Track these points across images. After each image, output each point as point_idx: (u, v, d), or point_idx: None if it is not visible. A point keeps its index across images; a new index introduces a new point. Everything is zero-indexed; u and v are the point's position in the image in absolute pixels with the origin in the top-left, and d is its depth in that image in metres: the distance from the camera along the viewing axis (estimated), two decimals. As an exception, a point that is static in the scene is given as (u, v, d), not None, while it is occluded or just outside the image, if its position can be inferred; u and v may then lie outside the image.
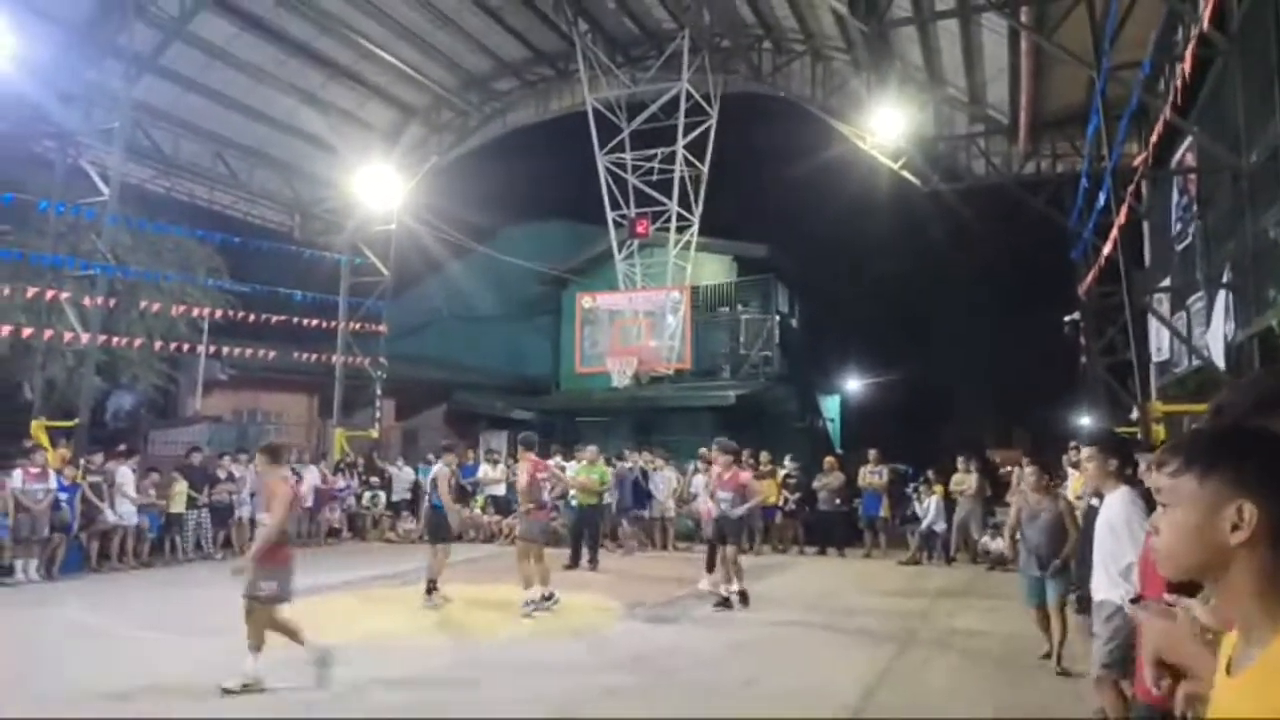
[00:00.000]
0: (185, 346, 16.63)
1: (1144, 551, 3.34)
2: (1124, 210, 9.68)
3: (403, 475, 17.31)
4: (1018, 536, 7.41)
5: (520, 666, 7.05)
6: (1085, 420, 19.03)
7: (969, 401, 25.74)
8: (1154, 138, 8.37)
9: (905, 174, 16.76)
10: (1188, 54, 7.22)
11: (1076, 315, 16.90)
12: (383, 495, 16.91)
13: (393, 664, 7.18)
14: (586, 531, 13.28)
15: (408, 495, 16.94)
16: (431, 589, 9.29)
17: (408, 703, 6.07)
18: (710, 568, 10.52)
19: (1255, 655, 1.24)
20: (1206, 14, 6.65)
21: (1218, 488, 1.30)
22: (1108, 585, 4.58)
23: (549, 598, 9.14)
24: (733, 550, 9.63)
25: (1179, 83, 7.68)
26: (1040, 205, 16.26)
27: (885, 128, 16.10)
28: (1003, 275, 23.01)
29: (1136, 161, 9.88)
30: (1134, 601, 1.79)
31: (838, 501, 14.98)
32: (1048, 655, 7.00)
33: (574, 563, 12.80)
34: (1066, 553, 6.65)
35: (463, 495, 16.81)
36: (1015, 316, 21.90)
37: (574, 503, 13.64)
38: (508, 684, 6.58)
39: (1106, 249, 11.59)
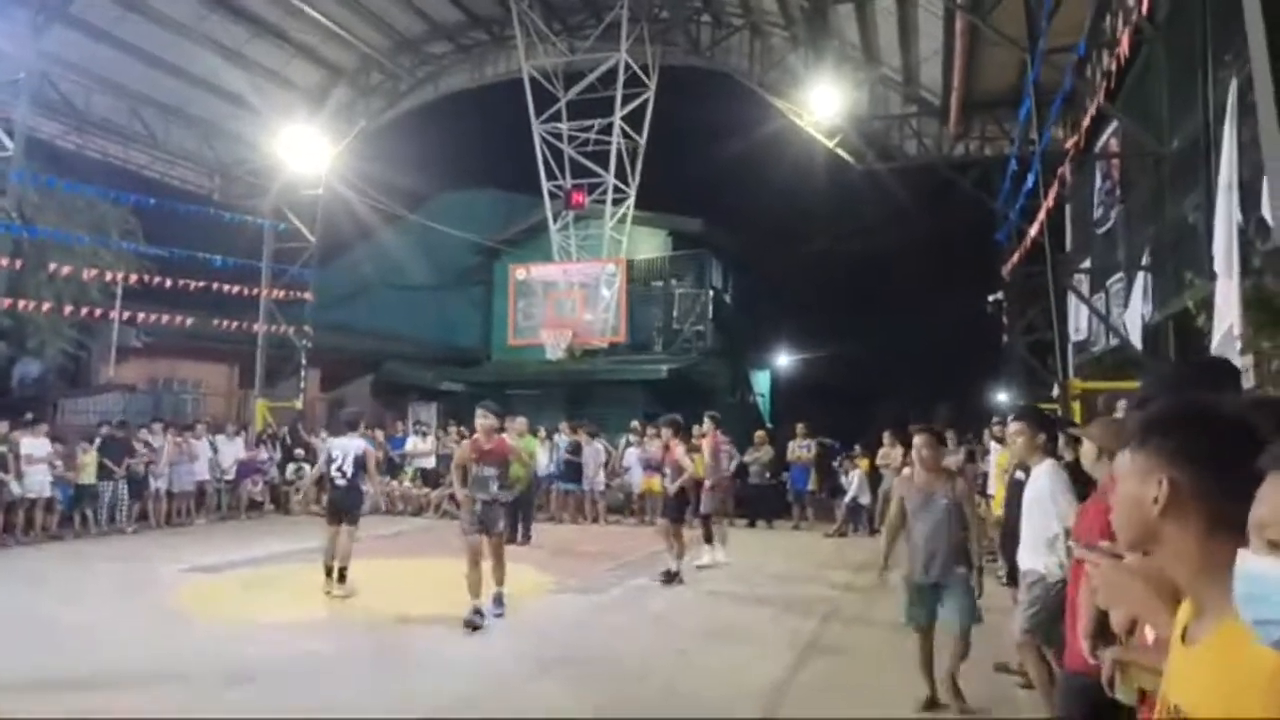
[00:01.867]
0: (97, 312, 15.87)
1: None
2: (1052, 193, 9.91)
3: (327, 446, 16.91)
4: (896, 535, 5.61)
5: (453, 641, 6.95)
6: (1005, 397, 19.61)
7: (896, 378, 26.25)
8: (1086, 122, 8.57)
9: (840, 152, 16.90)
10: (1124, 40, 7.37)
11: (1000, 295, 17.33)
12: (307, 467, 16.48)
13: (338, 641, 7.01)
14: (519, 506, 13.14)
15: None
16: (344, 575, 8.48)
17: (359, 676, 5.93)
18: (709, 539, 10.74)
19: (1209, 628, 1.24)
20: (1145, 2, 6.80)
21: (1146, 461, 1.33)
22: (1032, 556, 4.70)
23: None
24: (676, 527, 9.62)
25: (1113, 67, 7.84)
26: (968, 186, 16.59)
27: (822, 105, 16.20)
28: (932, 254, 23.44)
29: (1068, 145, 10.11)
30: (1088, 548, 1.78)
31: (767, 475, 15.17)
32: (931, 702, 5.20)
33: (511, 536, 12.65)
34: (974, 551, 5.26)
35: (391, 468, 16.57)
36: (942, 295, 22.34)
37: None
38: (439, 658, 6.48)
39: (1032, 231, 11.87)
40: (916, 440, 5.45)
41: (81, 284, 15.88)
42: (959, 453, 13.90)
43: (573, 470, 15.25)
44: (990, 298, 17.76)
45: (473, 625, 7.02)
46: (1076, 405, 10.56)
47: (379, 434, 17.04)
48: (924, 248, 22.62)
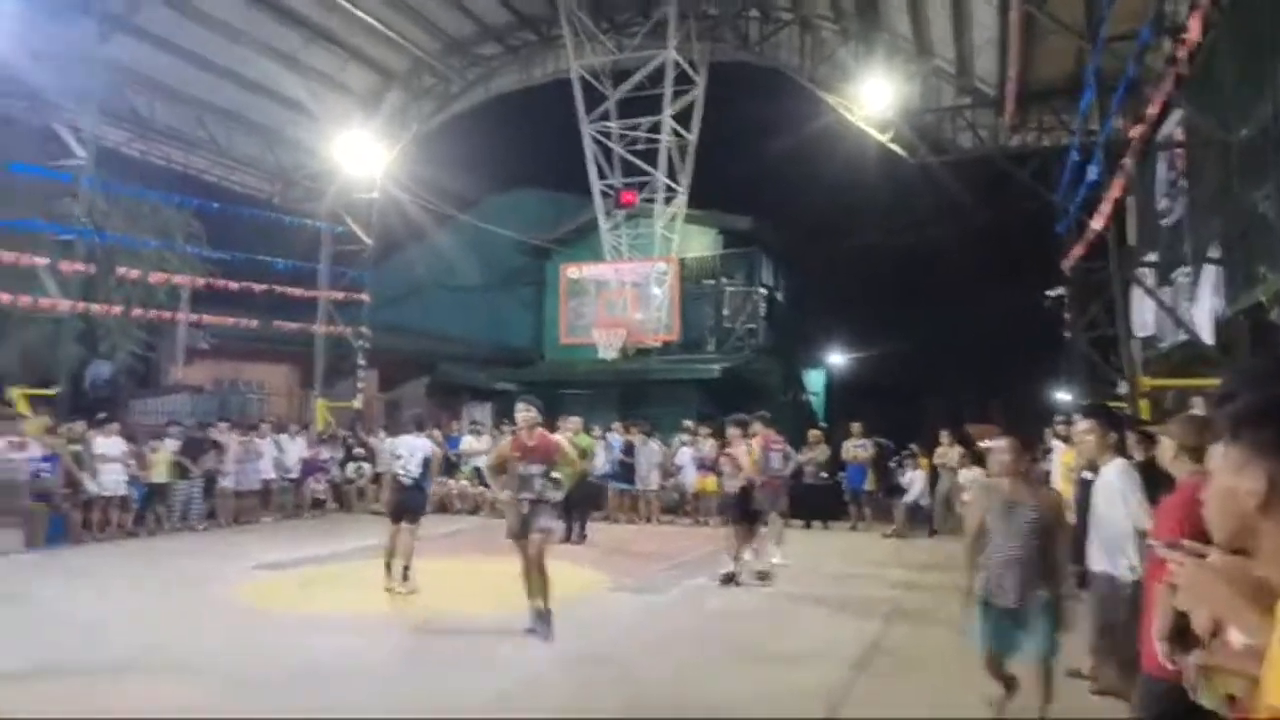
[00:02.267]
0: (165, 315, 16.37)
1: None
2: (1116, 185, 9.67)
3: (385, 446, 17.23)
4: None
5: (509, 640, 7.03)
6: (1066, 395, 19.19)
7: (952, 375, 25.87)
8: (1155, 110, 8.34)
9: (893, 146, 16.69)
10: (1193, 26, 7.17)
11: (1060, 290, 16.96)
12: (367, 467, 16.81)
13: (395, 637, 7.16)
14: (574, 505, 13.18)
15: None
16: (406, 573, 8.58)
17: (402, 674, 6.05)
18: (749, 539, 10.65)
19: None
20: (1211, -14, 6.62)
21: (1241, 454, 1.30)
22: (1103, 557, 4.61)
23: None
24: (738, 527, 9.51)
25: (1178, 54, 7.63)
26: (1026, 178, 16.26)
27: (873, 99, 16.02)
28: (988, 249, 23.01)
29: (1133, 134, 9.85)
30: (1171, 546, 1.74)
31: (823, 475, 15.05)
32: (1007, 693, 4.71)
33: (566, 536, 12.73)
34: (1061, 571, 4.57)
35: (448, 467, 16.80)
36: (999, 290, 21.92)
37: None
38: (493, 655, 6.56)
39: (1094, 223, 11.60)
40: (997, 444, 4.80)
41: (149, 287, 16.40)
42: (955, 449, 13.71)
43: (626, 470, 15.30)
44: (1050, 293, 17.39)
45: (543, 634, 6.71)
46: (1144, 403, 10.32)
47: (436, 433, 17.30)
48: (979, 242, 22.21)
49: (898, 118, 16.41)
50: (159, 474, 13.06)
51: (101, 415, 13.18)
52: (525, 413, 6.99)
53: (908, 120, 16.59)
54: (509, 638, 6.95)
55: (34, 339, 14.66)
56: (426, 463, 8.79)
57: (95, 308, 14.47)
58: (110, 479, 12.24)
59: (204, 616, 7.73)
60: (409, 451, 8.75)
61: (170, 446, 13.35)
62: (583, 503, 13.40)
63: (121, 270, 15.39)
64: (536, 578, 6.77)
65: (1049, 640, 4.49)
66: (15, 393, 12.53)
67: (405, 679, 5.93)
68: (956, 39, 15.13)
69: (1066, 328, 16.79)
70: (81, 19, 13.87)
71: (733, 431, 9.71)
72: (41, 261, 13.24)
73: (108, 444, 12.37)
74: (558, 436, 7.36)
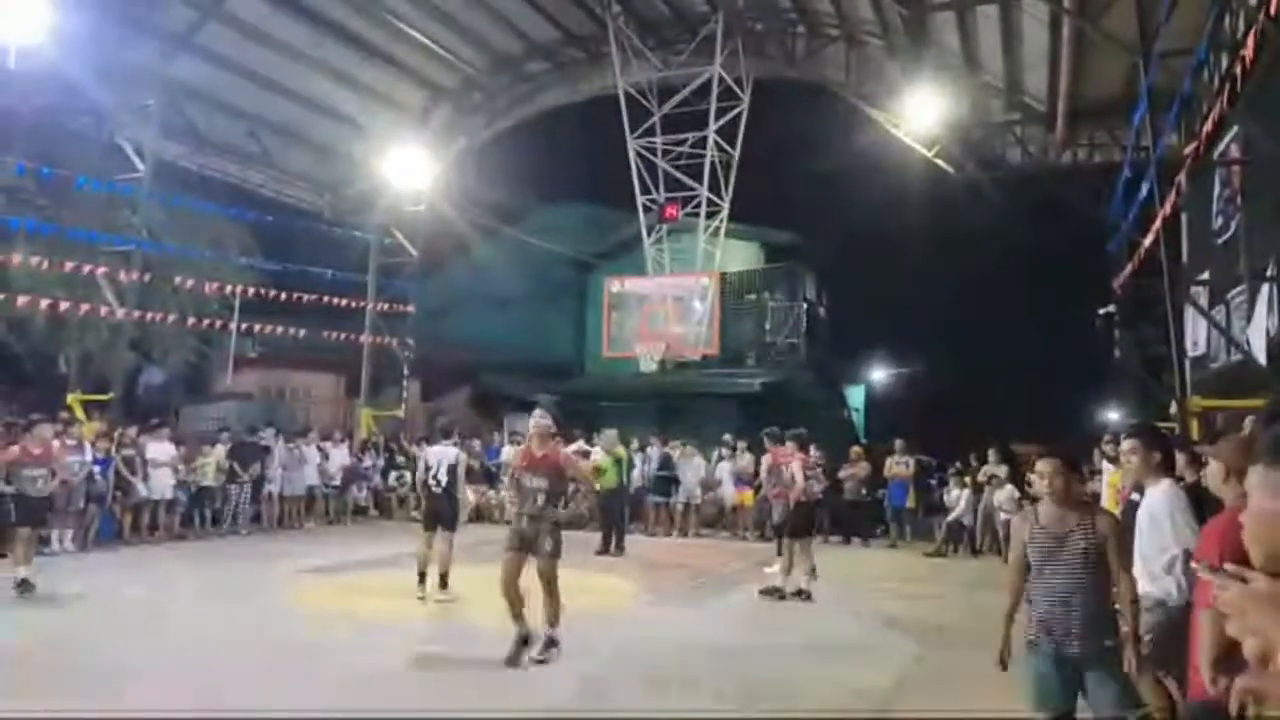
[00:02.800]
0: (217, 323, 16.78)
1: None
2: (1169, 202, 9.49)
3: (425, 455, 17.42)
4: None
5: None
6: (1115, 414, 18.80)
7: (997, 394, 25.48)
8: (1209, 127, 8.18)
9: (939, 162, 16.55)
10: (1250, 41, 7.03)
11: (1110, 308, 16.65)
12: (408, 475, 16.99)
13: (428, 644, 7.23)
14: (612, 517, 13.22)
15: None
16: (445, 580, 8.71)
17: (432, 684, 6.11)
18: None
19: None
20: (1272, 1, 6.47)
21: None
22: (1149, 579, 4.51)
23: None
24: (793, 541, 9.43)
25: (1239, 70, 7.48)
26: (1076, 196, 16.01)
27: (919, 114, 15.91)
28: (1035, 266, 22.69)
29: (1188, 151, 9.67)
30: (1213, 570, 1.70)
31: (863, 491, 14.91)
32: None
33: (605, 548, 12.75)
34: (1127, 612, 3.86)
35: (487, 477, 16.95)
36: (1047, 308, 21.61)
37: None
38: (505, 673, 6.59)
39: (1146, 241, 11.38)
40: (1042, 466, 4.09)
41: (203, 297, 16.83)
42: (1001, 467, 13.47)
43: (663, 483, 15.30)
44: (1100, 311, 17.08)
45: (513, 662, 6.15)
46: (1195, 423, 10.07)
47: (475, 444, 17.47)
48: (1027, 259, 21.93)
49: (944, 133, 16.27)
50: (207, 478, 13.36)
51: (153, 421, 13.54)
52: (539, 420, 6.45)
53: (955, 136, 16.44)
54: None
55: (91, 346, 15.10)
56: (453, 471, 8.85)
57: (150, 316, 14.87)
58: (160, 482, 12.57)
59: (249, 616, 7.88)
60: (437, 460, 8.89)
61: (219, 452, 13.66)
62: (621, 515, 13.44)
63: (177, 280, 15.83)
64: (549, 602, 6.34)
65: (1123, 700, 3.72)
66: (72, 398, 12.92)
67: (444, 687, 5.99)
68: (1005, 54, 14.98)
69: (1116, 346, 16.46)
70: (146, 39, 14.35)
71: (789, 446, 9.55)
72: (100, 271, 13.66)
73: (158, 449, 12.70)
74: (571, 450, 6.74)
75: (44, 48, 12.16)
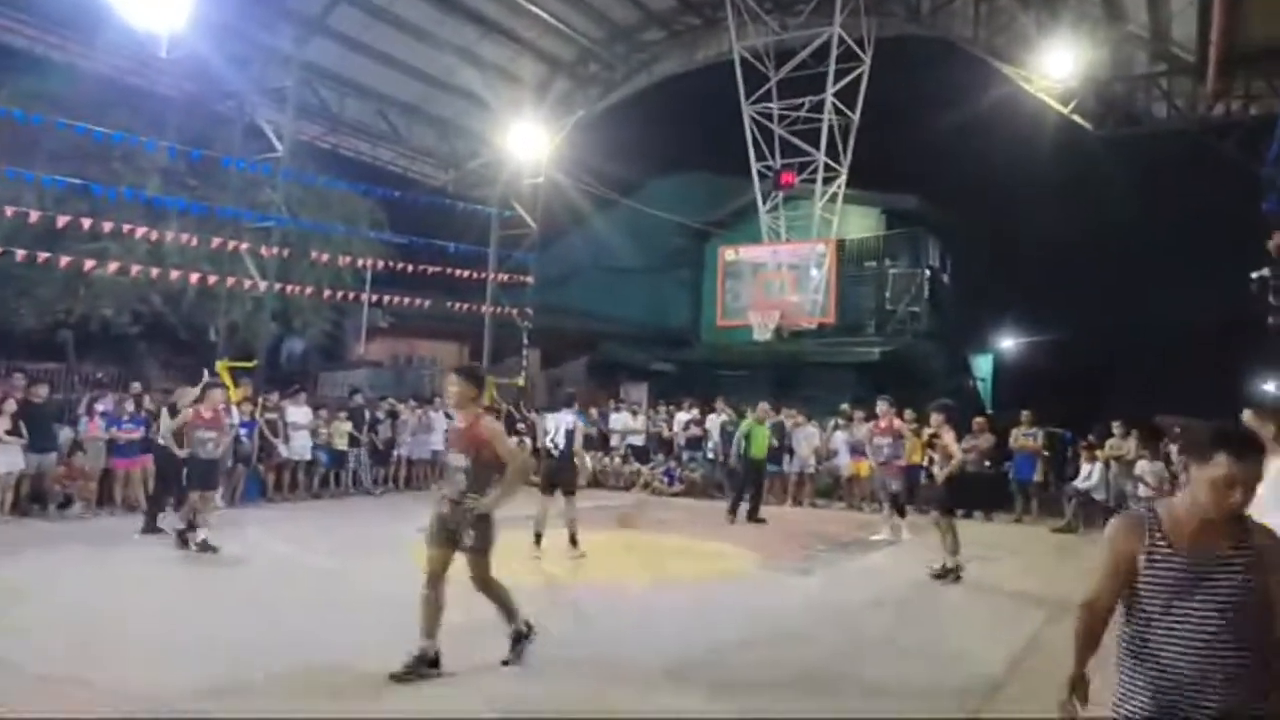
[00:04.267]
0: (350, 295, 17.63)
1: None
2: (1330, 155, 8.71)
3: (544, 421, 17.87)
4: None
5: (654, 613, 7.22)
6: (1270, 386, 17.52)
7: (1137, 363, 24.10)
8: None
9: (1075, 118, 15.66)
10: None
11: (1266, 271, 15.43)
12: (528, 441, 17.50)
13: (546, 603, 7.51)
14: (746, 484, 13.12)
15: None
16: (574, 539, 9.12)
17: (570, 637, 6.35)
18: (901, 514, 10.99)
19: None
20: None
21: None
22: None
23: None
24: (947, 518, 8.98)
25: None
26: (1229, 150, 14.85)
27: (1056, 68, 15.10)
28: (1181, 227, 21.23)
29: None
30: None
31: (986, 464, 14.41)
32: None
33: (733, 514, 12.76)
34: None
35: (604, 443, 17.29)
36: (1193, 272, 20.22)
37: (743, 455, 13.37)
38: (635, 629, 6.75)
39: (1306, 198, 10.49)
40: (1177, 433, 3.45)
41: (337, 270, 17.70)
42: (1130, 441, 12.66)
43: (775, 453, 15.17)
44: (1254, 274, 15.87)
45: (404, 677, 4.99)
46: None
47: (593, 412, 17.83)
48: (1171, 220, 20.55)
49: (1082, 87, 15.40)
50: (340, 442, 14.13)
51: (294, 386, 14.40)
52: (451, 383, 5.52)
53: (1094, 90, 15.54)
54: (668, 609, 7.15)
55: (237, 317, 16.13)
56: (571, 436, 9.25)
57: (289, 288, 15.76)
58: (299, 444, 13.38)
59: (378, 569, 8.37)
60: (555, 426, 9.35)
61: (351, 418, 14.43)
62: (760, 486, 13.32)
63: (313, 254, 16.70)
64: (495, 594, 5.35)
65: None
66: (220, 365, 13.86)
67: (573, 642, 6.20)
68: (1150, 3, 13.99)
69: (1272, 313, 15.27)
70: (281, 24, 15.09)
71: (937, 418, 9.20)
72: (244, 246, 14.56)
73: (298, 413, 13.52)
74: (494, 423, 5.50)
75: (190, 35, 12.95)
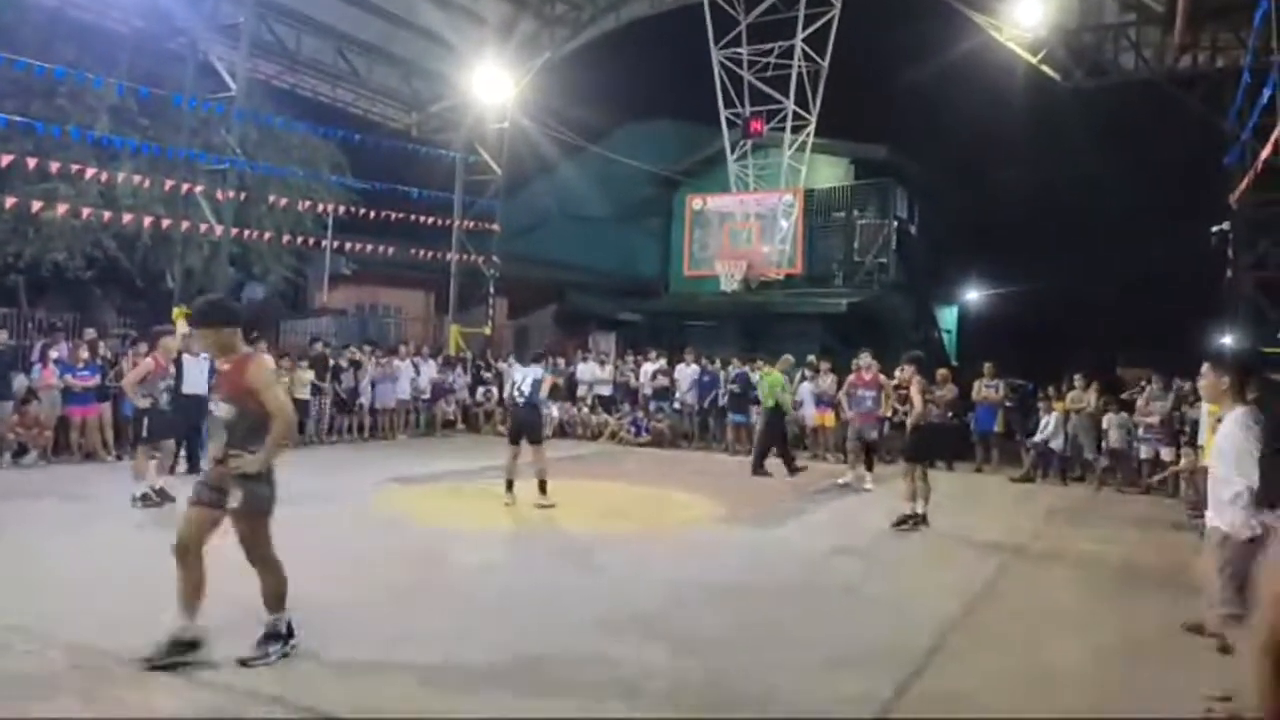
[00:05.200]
0: (311, 241, 17.24)
1: None
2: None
3: (512, 372, 17.81)
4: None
5: (620, 563, 7.26)
6: (1228, 339, 17.81)
7: (1096, 316, 24.44)
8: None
9: (1044, 68, 15.60)
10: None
11: (1225, 225, 15.63)
12: (495, 391, 17.43)
13: (512, 550, 7.50)
14: (772, 438, 12.99)
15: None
16: (544, 486, 9.12)
17: (517, 588, 6.35)
18: (870, 466, 11.49)
19: None
20: None
21: None
22: (1214, 512, 4.30)
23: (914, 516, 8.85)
24: (913, 466, 9.05)
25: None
26: (1195, 103, 14.91)
27: (1026, 16, 14.99)
28: (1143, 180, 21.38)
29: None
30: None
31: (949, 415, 14.57)
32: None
33: (759, 468, 12.70)
34: None
35: (571, 393, 17.25)
36: (1154, 225, 20.41)
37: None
38: (601, 581, 6.78)
39: (1265, 152, 10.56)
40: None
41: (298, 215, 17.28)
42: (1167, 399, 12.88)
43: (740, 402, 15.25)
44: (1214, 229, 16.06)
45: (160, 664, 4.25)
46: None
47: (560, 362, 17.77)
48: (1134, 173, 20.69)
49: (1051, 36, 15.32)
50: (300, 391, 13.94)
51: (254, 335, 14.10)
52: (194, 321, 4.77)
53: (1063, 40, 15.46)
54: (635, 558, 7.19)
55: (194, 262, 15.71)
56: (536, 385, 9.30)
57: (247, 233, 15.37)
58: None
59: (344, 521, 8.31)
60: (522, 376, 9.40)
61: (311, 366, 14.22)
62: (784, 438, 13.23)
63: (272, 198, 16.27)
64: (261, 576, 4.51)
65: None
66: (177, 311, 13.53)
67: (524, 588, 6.22)
68: (1122, -51, 13.89)
69: (1230, 266, 15.51)
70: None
71: (908, 369, 9.27)
72: (199, 189, 14.13)
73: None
74: (263, 369, 4.56)
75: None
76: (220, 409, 4.52)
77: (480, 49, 18.54)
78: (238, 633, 4.47)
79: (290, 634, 4.53)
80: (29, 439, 10.99)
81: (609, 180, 25.08)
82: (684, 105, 24.12)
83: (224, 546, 4.46)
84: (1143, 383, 13.64)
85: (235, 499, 4.37)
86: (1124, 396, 13.89)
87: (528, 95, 19.78)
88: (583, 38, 20.12)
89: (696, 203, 22.19)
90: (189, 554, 4.36)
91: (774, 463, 12.82)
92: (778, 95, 18.91)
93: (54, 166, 12.64)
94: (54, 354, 11.30)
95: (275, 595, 4.51)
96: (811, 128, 19.20)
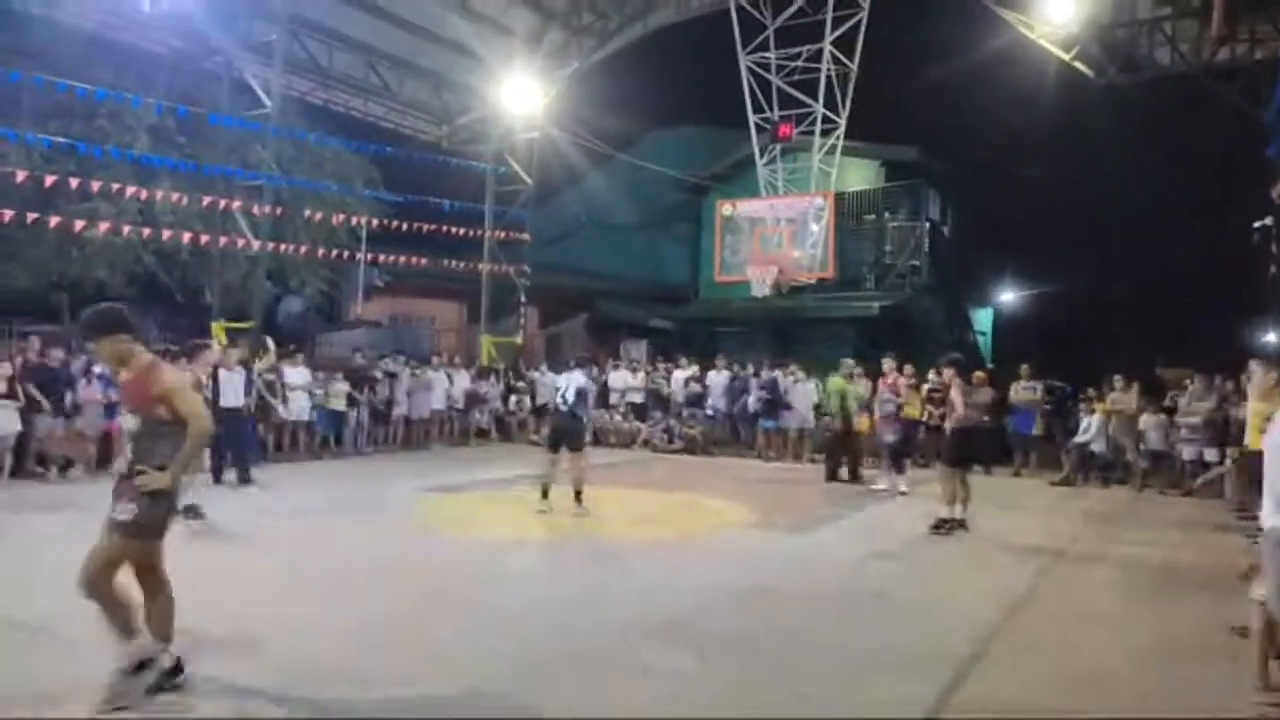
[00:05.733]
0: (345, 254, 17.47)
1: None
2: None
3: (545, 381, 17.87)
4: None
5: (651, 569, 7.24)
6: (1273, 336, 17.46)
7: (1135, 315, 24.00)
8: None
9: (1078, 65, 15.38)
10: None
11: (1268, 220, 15.28)
12: (527, 400, 17.51)
13: (547, 557, 7.52)
14: (844, 448, 12.85)
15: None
16: (579, 496, 9.14)
17: (567, 589, 6.36)
18: (900, 469, 11.50)
19: None
20: None
21: None
22: (1272, 511, 4.20)
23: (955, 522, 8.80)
24: (951, 470, 8.96)
25: None
26: (1233, 97, 14.61)
27: (1058, 13, 14.81)
28: (1182, 176, 20.98)
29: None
30: None
31: (986, 418, 14.38)
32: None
33: (832, 476, 12.63)
34: None
35: (603, 401, 17.28)
36: (1194, 222, 20.01)
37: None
38: (631, 586, 6.77)
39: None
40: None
41: (332, 228, 17.53)
42: (1210, 399, 12.60)
43: (770, 408, 15.17)
44: (1256, 224, 15.71)
45: (120, 700, 3.87)
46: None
47: (593, 370, 17.79)
48: (1173, 169, 20.29)
49: (1084, 33, 15.11)
50: (338, 402, 14.11)
51: (291, 347, 14.32)
52: (99, 351, 4.33)
53: (1096, 36, 15.24)
54: (666, 565, 7.17)
55: (232, 277, 15.99)
56: (580, 393, 9.34)
57: (283, 247, 15.61)
58: (297, 405, 13.35)
59: (382, 529, 8.39)
60: (566, 383, 9.44)
61: (348, 378, 14.40)
62: (853, 448, 12.96)
63: (307, 213, 16.52)
64: (150, 603, 4.07)
65: None
66: (216, 325, 13.78)
67: (557, 595, 6.23)
68: (1155, -57, 13.67)
69: (1274, 262, 15.15)
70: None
71: (947, 373, 9.25)
72: (236, 205, 14.39)
73: (296, 373, 13.46)
74: (170, 375, 4.19)
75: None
76: (127, 421, 4.29)
77: (509, 60, 18.68)
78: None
79: (179, 673, 4.08)
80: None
81: (638, 188, 25.13)
82: (712, 111, 24.14)
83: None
84: (1185, 382, 13.36)
85: (127, 512, 3.93)
86: (1166, 404, 13.59)
87: (556, 105, 19.90)
88: (610, 47, 20.19)
89: (727, 208, 22.16)
90: (101, 581, 3.91)
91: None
92: (807, 99, 18.85)
93: (95, 186, 12.95)
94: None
95: (166, 619, 4.10)
96: (841, 130, 19.11)
